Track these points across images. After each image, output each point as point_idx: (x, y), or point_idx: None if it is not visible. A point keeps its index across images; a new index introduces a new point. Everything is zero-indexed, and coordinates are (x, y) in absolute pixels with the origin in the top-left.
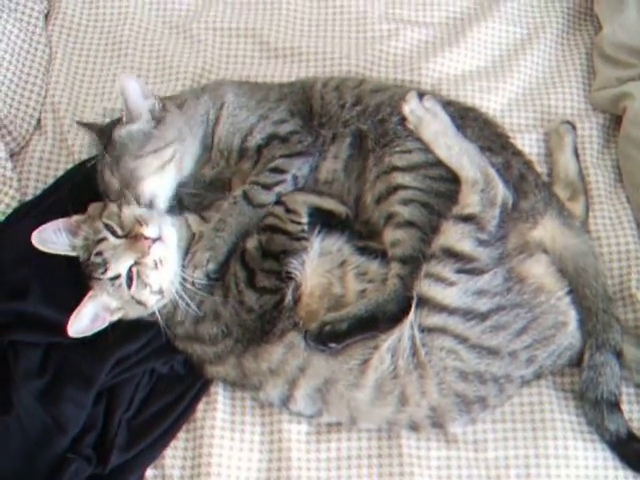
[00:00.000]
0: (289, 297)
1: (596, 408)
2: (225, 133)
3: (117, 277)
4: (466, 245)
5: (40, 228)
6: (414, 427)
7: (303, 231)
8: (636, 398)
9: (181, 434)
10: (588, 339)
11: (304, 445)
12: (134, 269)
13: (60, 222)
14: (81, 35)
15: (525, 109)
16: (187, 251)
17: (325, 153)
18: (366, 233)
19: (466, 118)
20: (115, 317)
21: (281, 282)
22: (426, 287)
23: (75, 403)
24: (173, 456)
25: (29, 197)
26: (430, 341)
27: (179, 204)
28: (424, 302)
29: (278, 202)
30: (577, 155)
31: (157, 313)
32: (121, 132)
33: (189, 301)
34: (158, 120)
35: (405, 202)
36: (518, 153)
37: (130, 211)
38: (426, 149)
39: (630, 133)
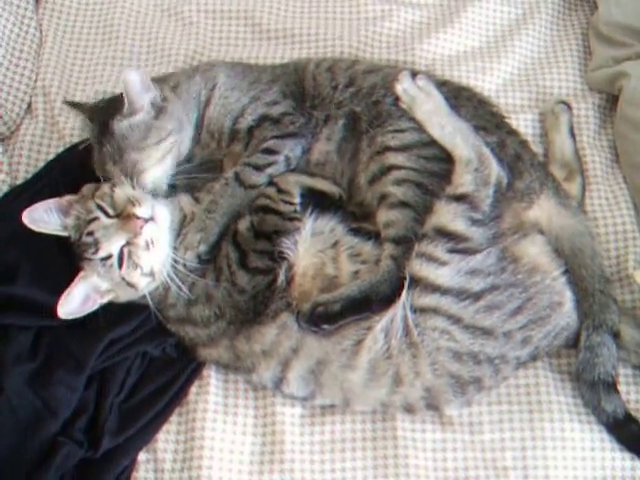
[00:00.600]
0: (282, 277)
1: (593, 389)
2: (216, 115)
3: (108, 257)
4: (459, 224)
5: (31, 207)
6: (409, 409)
7: (295, 211)
8: (633, 379)
9: (173, 417)
10: (585, 320)
11: (298, 428)
12: (125, 249)
13: (52, 202)
14: (72, 18)
15: (520, 89)
16: (179, 233)
17: (318, 135)
18: (360, 214)
19: (460, 97)
20: (105, 299)
21: (273, 262)
22: (418, 267)
23: (66, 386)
24: (165, 440)
25: (20, 181)
26: (423, 321)
27: (171, 185)
28: (416, 282)
29: (270, 183)
30: (573, 135)
31: (148, 296)
32: (122, 124)
33: (180, 284)
34: (159, 111)
35: (398, 182)
36: (513, 132)
37: (123, 191)
38: (420, 129)
39: (626, 113)
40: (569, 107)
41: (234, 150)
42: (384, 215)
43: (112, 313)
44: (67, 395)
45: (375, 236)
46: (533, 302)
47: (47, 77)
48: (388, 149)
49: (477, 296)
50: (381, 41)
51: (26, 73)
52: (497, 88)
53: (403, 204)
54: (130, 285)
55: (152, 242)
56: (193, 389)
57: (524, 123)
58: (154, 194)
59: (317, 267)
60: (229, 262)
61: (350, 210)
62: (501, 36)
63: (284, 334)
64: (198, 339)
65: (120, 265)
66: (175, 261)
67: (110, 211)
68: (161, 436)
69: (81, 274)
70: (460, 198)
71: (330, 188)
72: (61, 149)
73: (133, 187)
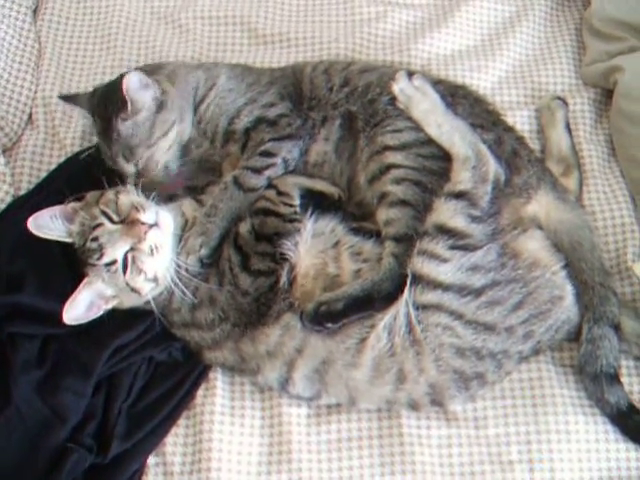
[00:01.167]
0: (284, 279)
1: (596, 382)
2: (210, 114)
3: (113, 263)
4: (459, 221)
5: (36, 214)
6: (413, 405)
7: (295, 213)
8: (635, 370)
9: (181, 421)
10: (585, 313)
11: (304, 428)
12: (129, 255)
13: (57, 208)
14: (70, 29)
15: (516, 86)
16: (181, 238)
17: (315, 136)
18: (360, 214)
19: (456, 96)
20: (110, 305)
21: (275, 264)
22: (420, 264)
23: (74, 393)
24: (174, 443)
25: (23, 192)
26: (425, 318)
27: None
28: (418, 279)
29: (269, 185)
30: (569, 130)
31: (152, 301)
32: (127, 124)
33: (184, 288)
34: (159, 105)
35: (398, 181)
36: (510, 129)
37: (127, 197)
38: (417, 128)
39: (622, 107)
40: (565, 103)
41: (230, 151)
42: (384, 214)
43: (117, 319)
44: (75, 401)
45: (376, 235)
46: (534, 297)
47: (47, 88)
48: (387, 148)
49: (478, 292)
50: (376, 42)
51: (26, 84)
52: (493, 86)
53: (403, 202)
54: (134, 290)
55: (156, 248)
56: (200, 392)
57: (520, 120)
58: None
59: (319, 267)
60: (231, 265)
61: (350, 210)
62: (495, 34)
63: (288, 335)
64: (203, 342)
65: (124, 271)
66: (178, 266)
67: (114, 217)
68: (169, 439)
69: (86, 280)
70: (459, 195)
71: (329, 188)
72: (62, 159)
73: (136, 184)
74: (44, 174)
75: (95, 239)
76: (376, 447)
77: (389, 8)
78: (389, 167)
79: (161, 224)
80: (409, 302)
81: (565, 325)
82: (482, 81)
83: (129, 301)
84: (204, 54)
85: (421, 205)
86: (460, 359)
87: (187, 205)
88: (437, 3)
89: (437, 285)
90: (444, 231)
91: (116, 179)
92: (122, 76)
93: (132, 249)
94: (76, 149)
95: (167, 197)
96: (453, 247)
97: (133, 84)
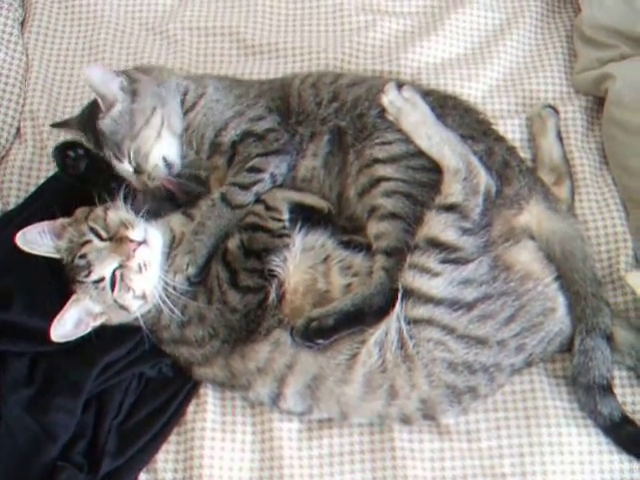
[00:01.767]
0: (273, 295)
1: (589, 393)
2: (197, 123)
3: (101, 280)
4: (450, 235)
5: (25, 229)
6: (405, 420)
7: (284, 228)
8: (628, 381)
9: (172, 437)
10: (578, 324)
11: (296, 443)
12: (118, 272)
13: (45, 224)
14: (57, 41)
15: (506, 95)
16: (169, 255)
17: (304, 151)
18: (350, 228)
19: (446, 107)
20: (98, 322)
21: (264, 280)
22: (411, 278)
23: (64, 411)
24: (165, 460)
25: (11, 206)
26: (417, 333)
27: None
28: (409, 294)
29: (258, 200)
30: (561, 139)
31: (140, 319)
32: (105, 121)
33: (172, 306)
34: (132, 93)
35: (388, 194)
36: (501, 139)
37: (116, 214)
38: (407, 140)
39: (613, 114)
40: (556, 111)
41: (216, 163)
42: (375, 227)
43: (106, 336)
44: (65, 419)
45: (366, 248)
46: (526, 310)
47: (35, 101)
48: (376, 161)
49: (470, 306)
50: (366, 52)
51: (14, 98)
52: (483, 94)
53: (393, 215)
54: (122, 308)
55: (145, 265)
56: (191, 408)
57: (511, 128)
58: (170, 168)
59: (308, 283)
60: (219, 282)
61: (340, 224)
62: (486, 42)
63: (278, 351)
64: (193, 359)
65: (112, 288)
66: (166, 283)
67: (103, 234)
68: (160, 456)
69: (73, 297)
70: (450, 208)
71: (319, 202)
72: (51, 173)
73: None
74: (33, 188)
75: (83, 256)
76: (368, 461)
77: (378, 17)
78: (379, 180)
79: (150, 241)
80: (400, 317)
81: (557, 337)
82: (473, 90)
83: (117, 318)
84: (193, 65)
85: (412, 218)
86: (452, 374)
87: (175, 221)
88: (427, 11)
89: (428, 299)
90: (435, 244)
91: (105, 196)
92: None
93: (120, 266)
94: None
95: (156, 212)
96: (444, 261)
97: (95, 78)
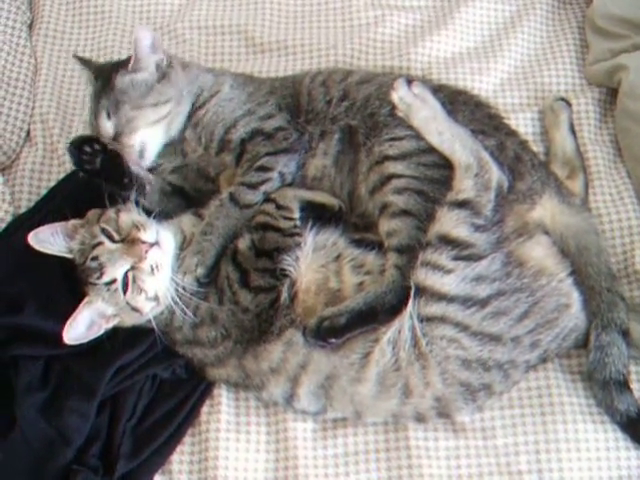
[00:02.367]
0: (285, 294)
1: (605, 389)
2: (207, 120)
3: (112, 282)
4: (462, 231)
5: (37, 229)
6: (420, 418)
7: (295, 227)
8: None
9: (187, 438)
10: (593, 319)
11: (310, 443)
12: (130, 274)
13: (57, 225)
14: (65, 43)
15: (518, 88)
16: (179, 256)
17: (314, 150)
18: (362, 226)
19: (456, 102)
20: (111, 324)
21: (276, 280)
22: (423, 276)
23: (78, 414)
24: (180, 461)
25: (23, 210)
26: (430, 331)
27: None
28: (422, 291)
29: (268, 199)
30: (574, 132)
31: (153, 320)
32: (125, 79)
33: (184, 307)
34: (162, 75)
35: (399, 191)
36: (513, 133)
37: (128, 216)
38: (417, 136)
39: (627, 106)
40: (568, 104)
41: (224, 161)
42: (386, 225)
43: (120, 339)
44: (80, 423)
45: (378, 246)
46: (540, 306)
47: (44, 104)
48: (387, 158)
49: (484, 303)
50: (375, 47)
51: (23, 101)
52: (495, 88)
53: (405, 213)
54: (135, 310)
55: (157, 267)
56: (205, 409)
57: (523, 122)
58: (142, 158)
59: (320, 282)
60: (230, 282)
61: (352, 222)
62: (496, 35)
63: (291, 351)
64: (206, 360)
65: (125, 290)
66: (177, 284)
67: (115, 236)
68: (175, 457)
69: (86, 299)
70: (462, 204)
71: (330, 200)
72: (62, 175)
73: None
74: (44, 191)
75: (95, 258)
76: (383, 460)
77: (387, 12)
78: (390, 177)
79: (162, 243)
80: (413, 315)
81: (572, 333)
82: (484, 83)
83: (130, 320)
84: (202, 64)
85: (423, 215)
86: (466, 371)
87: (186, 221)
88: (436, 5)
89: (441, 297)
90: (447, 241)
91: (117, 191)
92: None
93: (132, 268)
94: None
95: (166, 214)
96: (457, 257)
97: (142, 40)
